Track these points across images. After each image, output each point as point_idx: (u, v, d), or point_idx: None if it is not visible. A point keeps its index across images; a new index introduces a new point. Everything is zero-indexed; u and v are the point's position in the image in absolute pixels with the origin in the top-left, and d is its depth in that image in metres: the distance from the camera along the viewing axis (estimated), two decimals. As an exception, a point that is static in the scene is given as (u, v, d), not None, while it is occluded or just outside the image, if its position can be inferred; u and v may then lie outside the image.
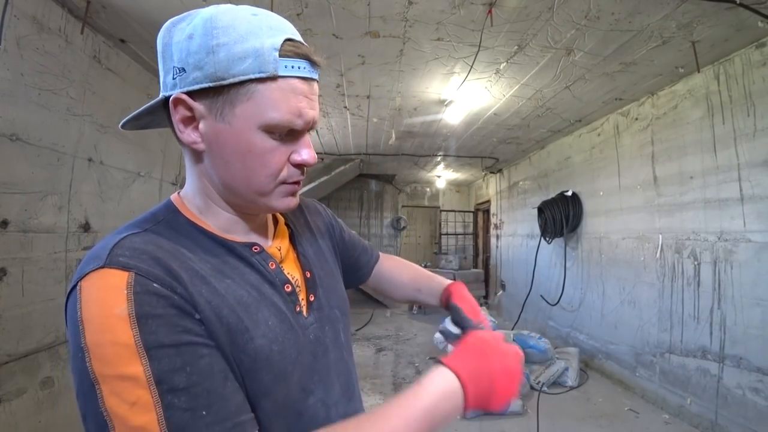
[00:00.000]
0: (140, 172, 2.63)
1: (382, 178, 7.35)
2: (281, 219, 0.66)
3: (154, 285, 0.42)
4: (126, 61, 2.45)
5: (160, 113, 0.53)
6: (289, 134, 0.50)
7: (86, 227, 2.13)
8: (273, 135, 0.49)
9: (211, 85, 0.46)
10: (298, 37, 0.51)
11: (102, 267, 0.41)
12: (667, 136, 2.91)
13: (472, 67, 2.63)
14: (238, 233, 0.56)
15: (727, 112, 2.43)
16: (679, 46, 2.32)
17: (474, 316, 0.71)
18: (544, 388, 3.17)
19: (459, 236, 8.18)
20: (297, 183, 0.54)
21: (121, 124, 0.55)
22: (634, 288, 3.24)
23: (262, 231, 0.61)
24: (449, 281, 0.83)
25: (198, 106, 0.48)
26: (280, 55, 0.47)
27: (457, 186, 8.86)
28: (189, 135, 0.50)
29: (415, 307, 6.56)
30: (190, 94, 0.47)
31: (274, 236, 0.63)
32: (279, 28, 0.49)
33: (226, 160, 0.50)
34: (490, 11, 2.00)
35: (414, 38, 2.32)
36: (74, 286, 0.42)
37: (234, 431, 0.40)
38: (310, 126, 0.51)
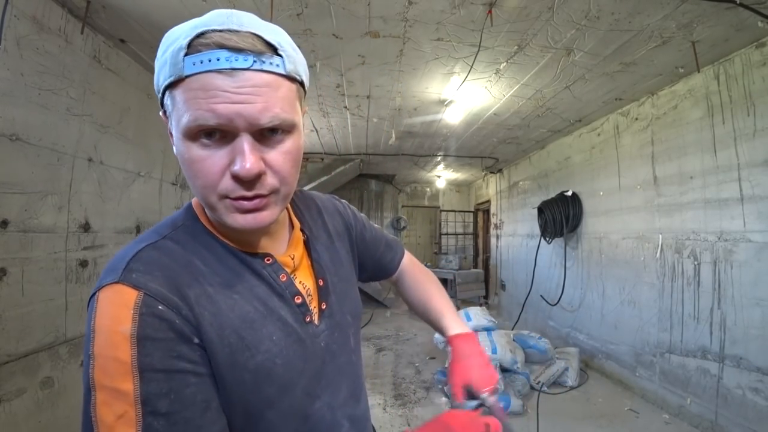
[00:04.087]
0: (140, 172, 2.62)
1: (382, 178, 7.35)
2: (296, 224, 0.64)
3: (159, 307, 0.44)
4: (126, 61, 2.45)
5: None
6: (222, 140, 0.44)
7: (86, 227, 2.13)
8: (198, 141, 0.44)
9: (159, 98, 0.47)
10: (235, 26, 0.43)
11: (116, 282, 0.44)
12: (667, 136, 2.91)
13: (472, 67, 2.63)
14: (252, 241, 0.55)
15: (727, 112, 2.43)
16: (679, 46, 2.32)
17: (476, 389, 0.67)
18: (544, 388, 3.17)
19: (459, 236, 8.18)
20: (245, 199, 0.46)
21: None
22: (634, 288, 3.23)
23: (276, 238, 0.59)
24: (455, 330, 0.77)
25: (166, 121, 0.49)
26: (186, 54, 0.42)
27: (457, 186, 8.85)
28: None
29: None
30: (164, 111, 0.48)
31: (289, 243, 0.61)
32: (204, 24, 0.43)
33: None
34: (490, 11, 2.00)
35: (414, 38, 2.32)
36: (93, 295, 0.45)
37: None
38: (235, 125, 0.43)
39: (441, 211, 8.32)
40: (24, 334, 1.73)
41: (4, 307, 1.64)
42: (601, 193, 3.72)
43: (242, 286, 0.52)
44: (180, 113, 0.43)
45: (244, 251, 0.54)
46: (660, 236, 2.96)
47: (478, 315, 3.44)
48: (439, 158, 5.84)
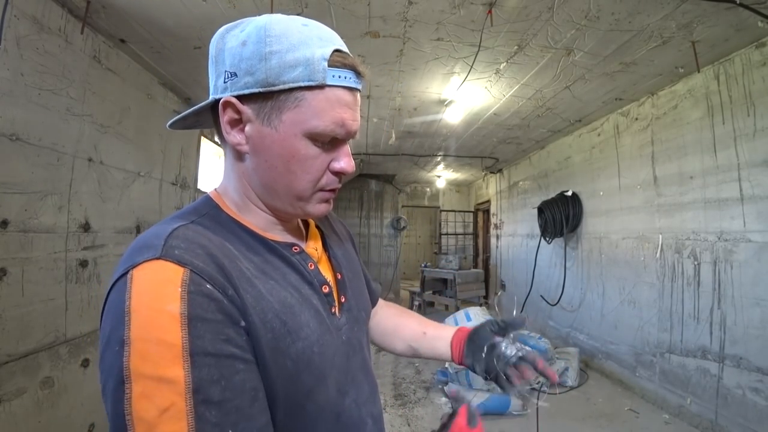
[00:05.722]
0: (140, 172, 2.62)
1: (382, 178, 7.35)
2: (312, 221, 0.68)
3: (207, 286, 0.41)
4: (126, 61, 2.45)
5: (206, 114, 0.55)
6: (330, 143, 0.52)
7: (86, 227, 2.13)
8: (316, 142, 0.50)
9: (261, 90, 0.47)
10: (345, 48, 0.52)
11: (158, 258, 0.41)
12: (667, 136, 2.91)
13: (472, 67, 2.63)
14: (276, 233, 0.57)
15: (727, 112, 2.43)
16: (679, 46, 2.32)
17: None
18: (544, 388, 3.17)
19: (459, 236, 8.18)
20: (333, 191, 0.55)
21: (168, 124, 0.57)
22: (634, 288, 3.23)
23: (298, 232, 0.63)
24: (455, 327, 0.86)
25: (246, 110, 0.49)
26: (328, 65, 0.48)
27: (457, 186, 8.86)
28: (234, 136, 0.51)
29: (414, 308, 6.56)
30: (240, 97, 0.49)
31: (308, 238, 0.64)
32: (328, 39, 0.50)
33: (270, 164, 0.51)
34: (490, 11, 2.00)
35: (414, 38, 2.32)
36: (124, 274, 0.40)
37: None
38: (351, 136, 0.53)
39: (441, 211, 8.32)
40: (24, 334, 1.73)
41: (4, 307, 1.64)
42: (601, 193, 3.72)
43: (276, 272, 0.52)
44: (308, 115, 0.48)
45: (273, 240, 0.55)
46: (660, 236, 2.96)
47: (478, 315, 3.44)
48: (439, 158, 5.84)
